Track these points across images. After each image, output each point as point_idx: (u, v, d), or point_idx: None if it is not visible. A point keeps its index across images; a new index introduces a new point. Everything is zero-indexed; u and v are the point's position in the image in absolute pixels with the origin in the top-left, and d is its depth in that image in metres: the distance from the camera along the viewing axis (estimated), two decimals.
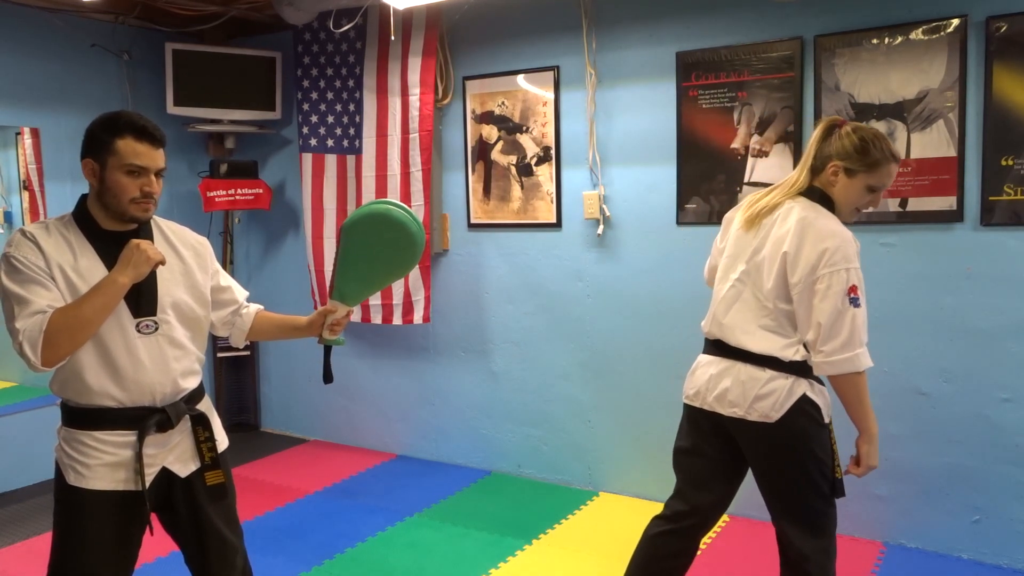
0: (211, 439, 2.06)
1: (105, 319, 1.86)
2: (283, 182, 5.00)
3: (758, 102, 3.47)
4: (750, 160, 3.51)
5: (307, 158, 4.62)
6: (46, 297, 1.83)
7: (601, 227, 3.92)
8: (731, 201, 3.53)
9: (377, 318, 4.45)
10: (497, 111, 4.15)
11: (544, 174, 4.05)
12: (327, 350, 2.23)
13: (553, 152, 4.01)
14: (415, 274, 4.28)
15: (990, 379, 3.15)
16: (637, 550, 2.46)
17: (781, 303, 2.18)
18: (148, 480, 1.96)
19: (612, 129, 3.85)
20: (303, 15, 4.25)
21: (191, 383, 2.05)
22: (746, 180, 3.53)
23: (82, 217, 1.96)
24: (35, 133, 4.32)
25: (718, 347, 2.31)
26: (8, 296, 1.83)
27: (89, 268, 1.90)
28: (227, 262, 5.15)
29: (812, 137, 2.28)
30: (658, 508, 2.48)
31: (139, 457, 1.92)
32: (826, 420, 2.23)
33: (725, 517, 3.58)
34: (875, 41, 3.23)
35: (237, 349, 4.89)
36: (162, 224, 2.10)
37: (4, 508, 4.03)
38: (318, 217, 4.62)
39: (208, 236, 2.27)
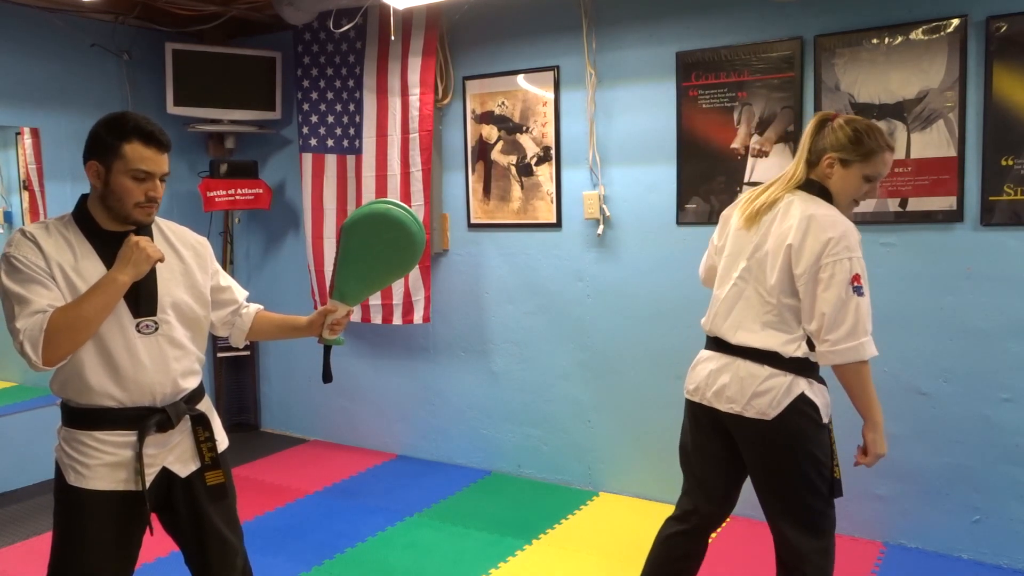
0: (211, 439, 2.06)
1: (105, 318, 1.86)
2: (283, 182, 5.00)
3: (758, 102, 3.47)
4: (750, 160, 3.51)
5: (307, 158, 4.62)
6: (46, 297, 1.83)
7: (601, 227, 3.92)
8: (731, 201, 3.50)
9: (377, 318, 4.45)
10: (497, 111, 4.15)
11: (544, 174, 4.05)
12: (327, 350, 2.24)
13: (553, 152, 4.01)
14: (415, 274, 4.28)
15: (990, 379, 3.15)
16: (651, 552, 2.46)
17: (785, 298, 2.18)
18: (148, 480, 1.96)
19: (612, 129, 3.85)
20: (303, 15, 4.25)
21: (191, 383, 2.05)
22: (746, 180, 3.53)
23: (82, 217, 1.96)
24: (35, 133, 4.32)
25: (719, 344, 2.31)
26: (8, 296, 1.83)
27: (89, 268, 1.90)
28: (227, 262, 5.15)
29: (805, 131, 2.28)
30: (658, 508, 2.49)
31: (139, 457, 1.92)
32: (825, 420, 2.22)
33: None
34: (875, 41, 3.23)
35: (237, 349, 4.89)
36: (162, 224, 2.09)
37: (4, 508, 4.03)
38: (318, 217, 4.62)
39: (208, 236, 2.27)
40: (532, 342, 4.20)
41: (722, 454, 2.35)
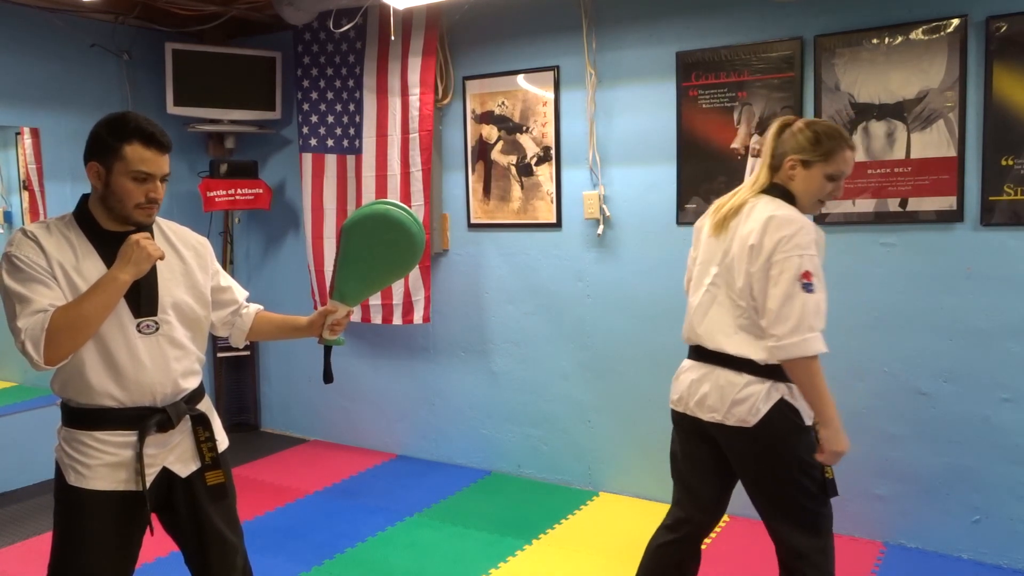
0: (211, 439, 2.06)
1: (106, 316, 1.86)
2: (283, 182, 5.00)
3: (758, 102, 3.47)
4: (750, 160, 3.51)
5: (307, 158, 4.62)
6: (48, 296, 1.83)
7: (601, 227, 3.92)
8: None
9: (377, 318, 4.45)
10: (497, 111, 4.15)
11: (544, 174, 4.05)
12: (327, 350, 2.23)
13: (553, 152, 4.01)
14: (415, 274, 4.28)
15: (990, 379, 3.15)
16: (643, 561, 2.48)
17: (753, 300, 2.20)
18: (148, 480, 1.96)
19: (612, 129, 3.85)
20: (303, 15, 4.25)
21: (191, 383, 2.05)
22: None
23: (83, 217, 1.96)
24: (35, 133, 4.32)
25: (698, 352, 2.33)
26: (10, 295, 1.83)
27: (90, 268, 1.90)
28: (227, 262, 5.15)
29: (768, 138, 2.32)
30: (658, 508, 2.49)
31: (139, 457, 1.92)
32: (808, 422, 2.22)
33: (725, 517, 3.59)
34: (875, 41, 3.23)
35: (237, 349, 4.89)
36: (162, 224, 2.09)
37: (4, 508, 4.03)
38: (318, 217, 4.62)
39: (208, 236, 2.27)
40: (532, 342, 4.20)
41: (710, 463, 2.36)
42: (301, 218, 4.80)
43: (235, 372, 5.22)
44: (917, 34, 3.16)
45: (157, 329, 1.96)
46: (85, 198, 1.98)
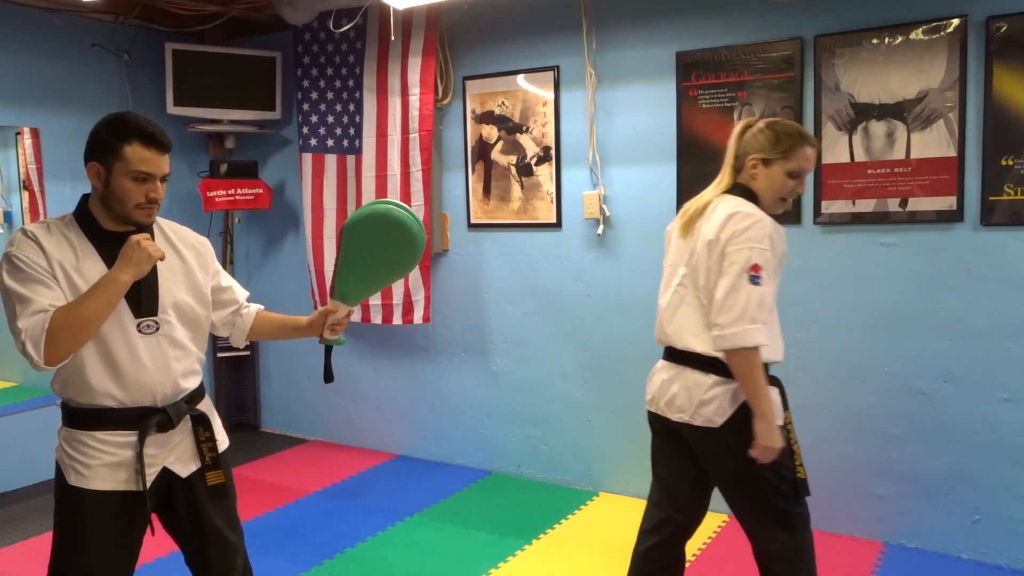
0: (212, 439, 2.06)
1: (107, 317, 1.86)
2: (283, 182, 5.00)
3: (758, 102, 3.47)
4: None
5: (307, 158, 4.62)
6: (48, 296, 1.83)
7: (601, 227, 3.92)
8: None
9: (377, 318, 4.45)
10: (497, 111, 4.15)
11: (544, 174, 4.05)
12: (328, 350, 2.23)
13: (553, 152, 4.01)
14: (415, 274, 4.28)
15: (990, 379, 3.15)
16: (631, 569, 2.50)
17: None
18: (149, 480, 1.96)
19: (612, 129, 3.85)
20: (303, 15, 4.25)
21: (192, 383, 2.05)
22: None
23: (83, 217, 1.96)
24: (35, 133, 4.32)
25: (669, 352, 2.36)
26: (10, 295, 1.83)
27: (90, 268, 1.90)
28: (227, 262, 5.15)
29: (731, 139, 2.36)
30: None
31: (140, 457, 1.92)
32: (778, 422, 2.22)
33: (724, 517, 3.59)
34: (875, 41, 3.23)
35: (237, 349, 4.89)
36: (163, 224, 2.09)
37: (4, 508, 4.03)
38: (318, 217, 4.62)
39: (208, 236, 2.26)
40: (532, 342, 4.20)
41: (684, 463, 2.38)
42: (301, 218, 4.80)
43: (235, 372, 5.22)
44: (917, 34, 3.16)
45: (157, 329, 1.96)
46: (85, 198, 1.98)
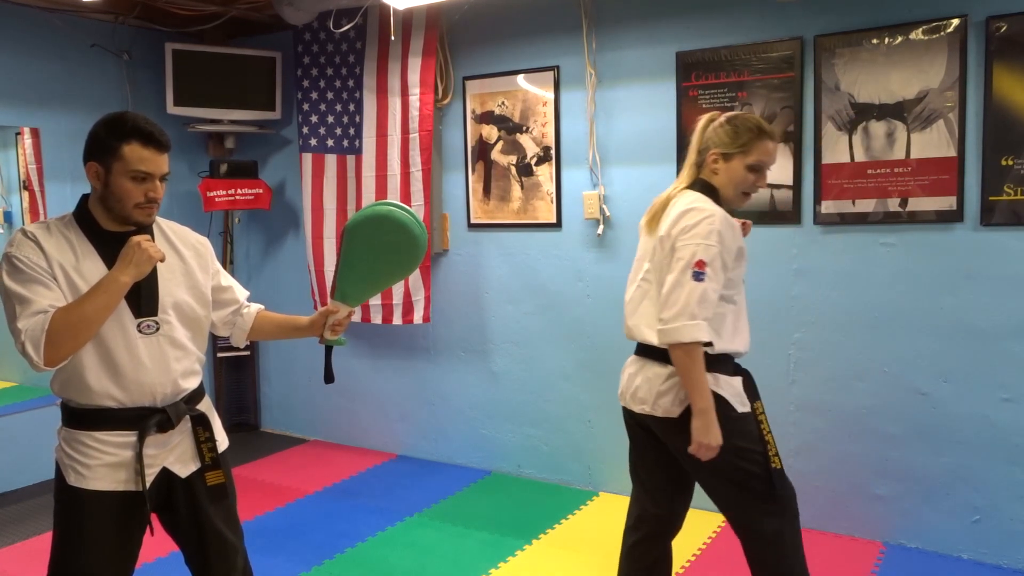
0: (211, 439, 2.06)
1: (107, 318, 1.86)
2: (283, 182, 5.00)
3: (758, 102, 3.47)
4: None
5: (307, 158, 4.62)
6: (48, 297, 1.82)
7: (601, 227, 3.92)
8: None
9: (377, 318, 4.45)
10: (497, 111, 4.15)
11: (544, 174, 4.05)
12: (328, 350, 2.23)
13: (553, 152, 4.01)
14: (415, 274, 4.28)
15: (990, 379, 3.15)
16: (619, 566, 2.51)
17: None
18: (148, 480, 1.96)
19: (612, 129, 3.85)
20: (303, 15, 4.25)
21: (191, 383, 2.05)
22: None
23: (83, 217, 1.95)
24: (35, 133, 4.32)
25: (637, 346, 2.39)
26: (10, 296, 1.83)
27: (90, 268, 1.90)
28: (227, 262, 5.15)
29: (694, 135, 2.38)
30: None
31: (139, 457, 1.92)
32: (740, 409, 2.24)
33: (722, 518, 3.58)
34: (875, 41, 3.23)
35: (237, 349, 4.89)
36: (163, 224, 2.09)
37: (4, 508, 4.03)
38: (318, 217, 4.62)
39: (208, 236, 2.26)
40: (532, 342, 4.20)
41: (654, 456, 2.40)
42: (301, 218, 4.80)
43: (235, 372, 5.22)
44: (917, 34, 3.16)
45: (157, 329, 1.96)
46: (85, 198, 1.98)
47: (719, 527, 3.54)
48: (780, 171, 3.44)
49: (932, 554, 3.29)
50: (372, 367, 4.76)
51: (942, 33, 3.11)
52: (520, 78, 4.07)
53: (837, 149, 3.33)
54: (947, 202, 3.16)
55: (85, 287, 1.86)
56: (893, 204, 3.26)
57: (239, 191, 4.73)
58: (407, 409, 4.66)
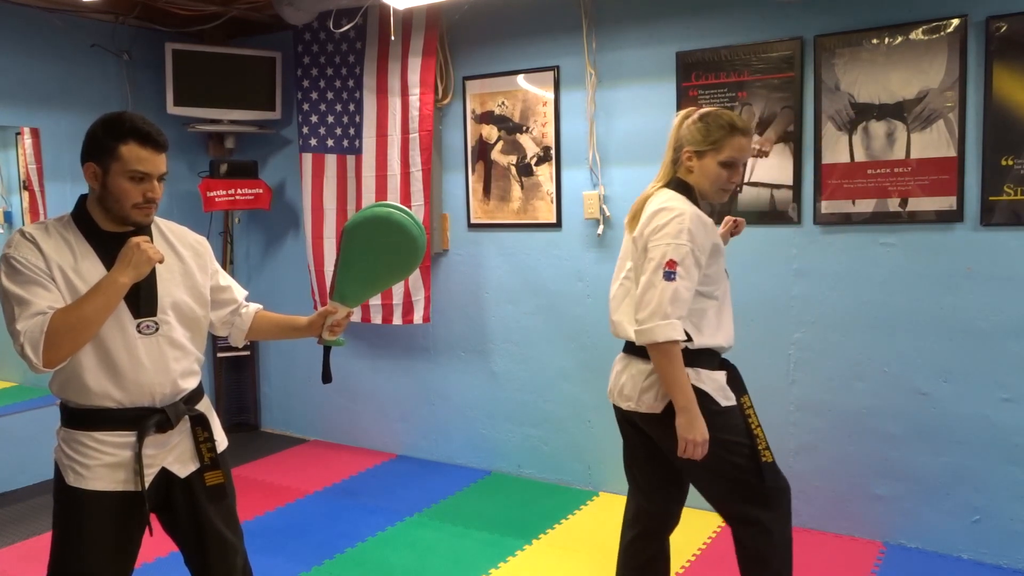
0: (210, 439, 2.06)
1: (106, 319, 1.86)
2: (283, 182, 5.00)
3: (758, 102, 3.47)
4: (750, 160, 3.51)
5: (307, 158, 4.62)
6: (46, 298, 1.82)
7: (601, 227, 3.92)
8: (731, 201, 3.54)
9: (377, 318, 4.45)
10: (497, 111, 4.15)
11: (544, 174, 4.05)
12: (327, 351, 2.24)
13: (553, 152, 4.01)
14: (415, 274, 4.27)
15: (990, 379, 3.15)
16: (617, 562, 2.52)
17: None
18: (147, 480, 1.96)
19: (612, 129, 3.85)
20: (303, 15, 4.25)
21: (190, 383, 2.05)
22: (746, 180, 3.53)
23: (81, 218, 1.96)
24: (35, 133, 4.32)
25: (625, 344, 2.40)
26: (8, 297, 1.83)
27: (89, 269, 1.90)
28: (227, 262, 5.15)
29: (670, 132, 2.37)
30: None
31: (138, 458, 1.92)
32: (724, 403, 2.25)
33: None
34: (875, 41, 3.22)
35: (237, 349, 4.89)
36: (161, 224, 2.09)
37: (4, 508, 4.03)
38: (318, 217, 4.62)
39: (208, 236, 2.27)
40: (532, 342, 4.20)
41: (645, 452, 2.41)
42: (301, 218, 4.80)
43: (235, 372, 5.22)
44: (917, 34, 3.16)
45: (157, 329, 1.96)
46: (83, 199, 1.98)
47: (719, 527, 3.54)
48: (780, 171, 3.44)
49: (932, 554, 3.29)
50: (372, 367, 4.76)
51: (942, 33, 3.11)
52: (520, 78, 4.07)
53: (837, 149, 3.33)
54: (947, 202, 3.16)
55: (84, 288, 1.86)
56: (893, 204, 3.26)
57: (239, 191, 4.73)
58: (407, 409, 4.66)
